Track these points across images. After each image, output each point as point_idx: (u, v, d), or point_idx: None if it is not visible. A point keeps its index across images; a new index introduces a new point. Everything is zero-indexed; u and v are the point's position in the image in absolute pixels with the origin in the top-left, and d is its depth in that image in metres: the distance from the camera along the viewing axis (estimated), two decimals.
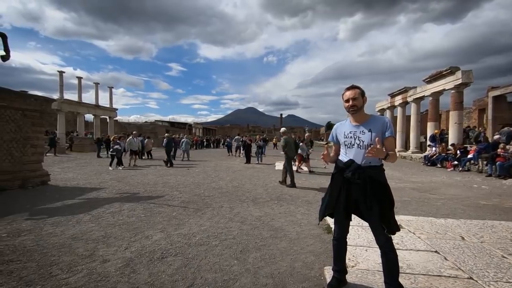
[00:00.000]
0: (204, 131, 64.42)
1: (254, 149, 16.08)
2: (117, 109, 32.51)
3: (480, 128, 15.88)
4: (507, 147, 9.35)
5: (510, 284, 2.30)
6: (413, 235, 3.55)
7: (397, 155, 2.18)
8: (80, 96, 27.23)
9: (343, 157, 2.20)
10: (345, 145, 2.17)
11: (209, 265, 2.74)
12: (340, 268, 2.30)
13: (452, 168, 11.62)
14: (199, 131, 57.92)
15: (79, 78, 27.64)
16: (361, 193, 2.04)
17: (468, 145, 12.26)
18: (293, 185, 7.31)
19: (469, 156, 11.10)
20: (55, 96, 24.07)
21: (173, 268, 2.66)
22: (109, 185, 7.32)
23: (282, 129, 8.42)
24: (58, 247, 3.12)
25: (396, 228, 2.05)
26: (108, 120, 31.53)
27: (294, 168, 9.50)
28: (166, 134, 13.81)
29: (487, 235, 3.54)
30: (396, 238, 3.41)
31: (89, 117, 30.92)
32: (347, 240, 2.31)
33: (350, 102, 2.12)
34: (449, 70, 13.77)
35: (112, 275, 2.50)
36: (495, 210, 5.06)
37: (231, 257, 2.93)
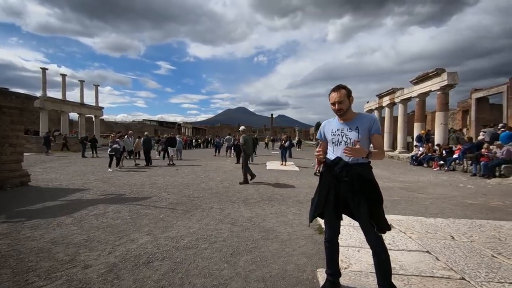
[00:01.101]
0: (193, 131, 63.77)
1: None
2: (103, 108, 31.86)
3: (462, 130, 16.34)
4: (491, 147, 9.61)
5: (502, 284, 2.30)
6: (404, 235, 3.55)
7: (385, 154, 2.13)
8: (64, 94, 26.47)
9: (331, 155, 2.18)
10: (333, 142, 2.16)
11: (198, 269, 2.62)
12: (334, 270, 2.25)
13: (438, 168, 11.87)
14: (188, 130, 57.27)
15: (63, 76, 26.85)
16: (350, 191, 2.02)
17: (453, 145, 12.56)
18: (245, 181, 7.64)
19: (455, 156, 11.36)
20: (38, 93, 23.25)
21: (159, 273, 2.53)
22: (93, 186, 7.06)
23: (241, 128, 8.75)
24: (36, 252, 2.93)
25: (386, 226, 2.02)
26: (93, 119, 30.83)
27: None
28: (146, 133, 13.57)
29: (476, 235, 3.57)
30: (387, 238, 3.39)
31: (73, 116, 30.12)
32: (339, 241, 2.26)
33: (336, 106, 2.08)
34: (435, 72, 14.09)
35: (94, 282, 2.35)
36: (481, 209, 5.15)
37: (221, 260, 2.82)
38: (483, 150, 9.65)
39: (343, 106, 2.07)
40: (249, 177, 7.77)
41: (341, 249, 2.38)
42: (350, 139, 2.05)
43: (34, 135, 22.47)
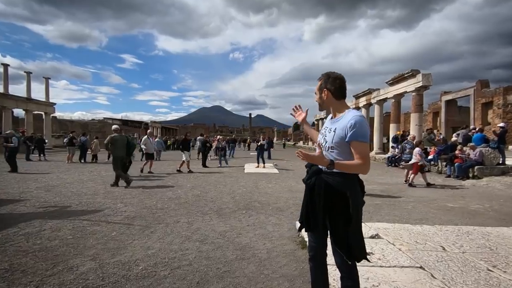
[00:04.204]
0: (163, 131, 60.73)
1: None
2: (55, 104, 28.76)
3: (433, 130, 16.86)
4: (464, 148, 9.78)
5: None
6: (393, 247, 3.20)
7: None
8: (6, 87, 23.49)
9: None
10: (319, 143, 1.84)
11: None
12: None
13: None
14: (157, 130, 54.42)
15: (5, 66, 23.88)
16: (320, 202, 1.70)
17: (427, 146, 12.79)
18: (115, 184, 7.18)
19: (430, 157, 11.52)
20: None
21: None
22: (33, 196, 5.99)
23: (114, 127, 8.03)
24: None
25: (358, 254, 1.64)
26: (44, 117, 27.78)
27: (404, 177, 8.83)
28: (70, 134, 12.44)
29: (466, 244, 3.32)
30: (377, 252, 3.02)
31: (20, 112, 27.14)
32: (327, 259, 1.86)
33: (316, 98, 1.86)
34: (410, 73, 14.31)
35: None
36: (463, 214, 5.00)
37: None
38: (457, 151, 9.79)
39: (316, 99, 1.87)
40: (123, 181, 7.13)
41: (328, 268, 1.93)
42: (326, 143, 1.73)
43: None
